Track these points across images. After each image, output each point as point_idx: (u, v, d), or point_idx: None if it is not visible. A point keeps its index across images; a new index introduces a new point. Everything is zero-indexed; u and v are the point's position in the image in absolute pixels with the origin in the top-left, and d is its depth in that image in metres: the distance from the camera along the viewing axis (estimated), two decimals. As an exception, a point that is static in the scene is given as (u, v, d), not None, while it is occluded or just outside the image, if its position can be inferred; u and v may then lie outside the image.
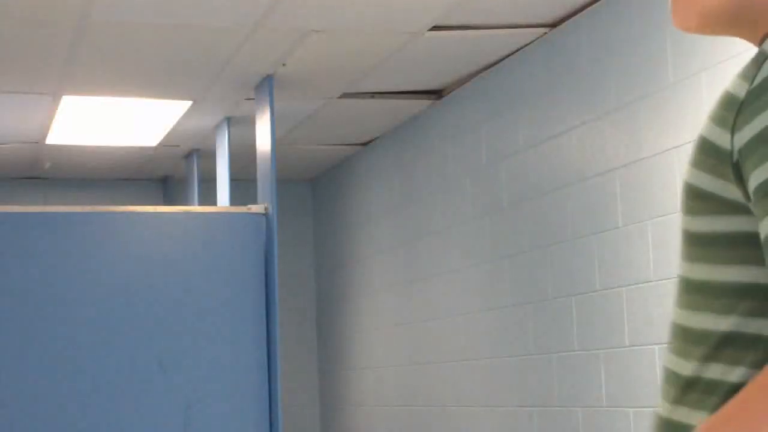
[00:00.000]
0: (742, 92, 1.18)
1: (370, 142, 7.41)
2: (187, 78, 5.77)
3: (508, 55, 5.50)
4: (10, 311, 4.87)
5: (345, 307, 7.87)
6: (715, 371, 1.21)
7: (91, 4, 4.59)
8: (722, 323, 1.21)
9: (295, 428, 8.05)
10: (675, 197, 4.28)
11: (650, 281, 4.40)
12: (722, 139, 1.17)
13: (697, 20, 1.32)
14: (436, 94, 6.27)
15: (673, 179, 4.28)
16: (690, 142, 4.20)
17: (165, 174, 8.27)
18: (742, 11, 1.27)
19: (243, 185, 6.90)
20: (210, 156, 7.00)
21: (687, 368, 1.26)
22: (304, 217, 8.59)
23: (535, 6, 4.86)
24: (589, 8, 4.84)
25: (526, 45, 5.34)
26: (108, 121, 6.56)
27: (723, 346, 1.20)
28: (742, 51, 3.93)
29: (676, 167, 4.27)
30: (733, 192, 1.16)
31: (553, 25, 5.09)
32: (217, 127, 6.71)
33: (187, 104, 6.25)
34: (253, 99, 5.96)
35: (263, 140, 5.71)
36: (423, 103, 6.40)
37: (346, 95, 6.19)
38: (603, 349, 4.69)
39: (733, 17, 1.29)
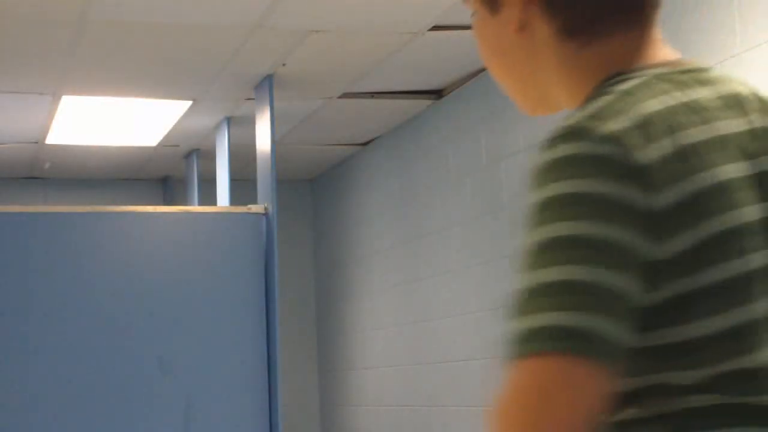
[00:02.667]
0: None
1: (370, 142, 7.41)
2: (186, 78, 5.76)
3: (508, 55, 5.49)
4: (9, 311, 4.87)
5: (345, 307, 7.86)
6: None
7: (91, 4, 4.59)
8: None
9: (295, 428, 8.05)
10: (675, 197, 4.27)
11: (650, 281, 4.39)
12: None
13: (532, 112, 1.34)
14: (436, 94, 6.27)
15: (673, 179, 4.28)
16: (690, 142, 4.20)
17: (165, 174, 8.27)
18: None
19: (243, 185, 6.89)
20: (210, 156, 7.00)
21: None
22: (304, 217, 8.59)
23: (535, 6, 4.86)
24: (589, 8, 4.83)
25: (526, 45, 5.34)
26: (108, 121, 6.56)
27: None
28: (739, 52, 3.93)
29: (676, 167, 4.27)
30: None
31: (553, 25, 5.08)
32: (217, 127, 6.71)
33: (186, 104, 6.25)
34: (253, 99, 5.96)
35: (263, 140, 5.71)
36: (423, 103, 6.40)
37: (346, 95, 6.19)
38: (603, 349, 4.68)
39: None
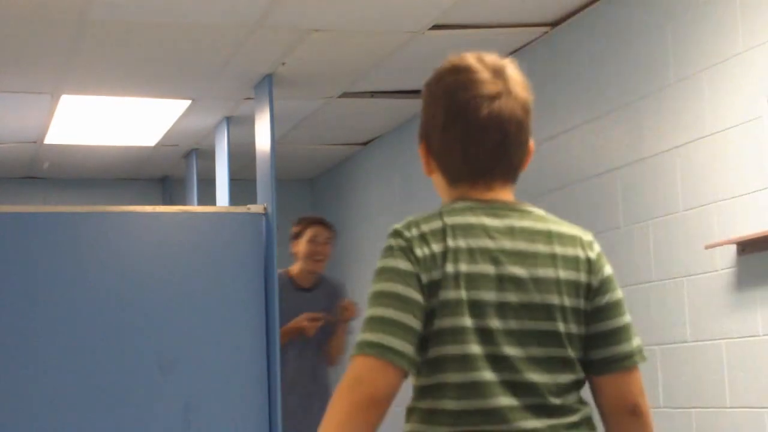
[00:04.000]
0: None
1: (370, 142, 7.41)
2: (186, 77, 5.76)
3: (508, 55, 5.48)
4: (9, 311, 4.86)
5: (345, 307, 7.85)
6: None
7: (91, 4, 4.59)
8: None
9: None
10: (676, 197, 4.27)
11: (651, 281, 4.39)
12: None
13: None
14: (436, 93, 6.26)
15: (674, 179, 4.28)
16: (691, 141, 4.19)
17: (164, 174, 8.27)
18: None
19: (242, 185, 6.89)
20: (209, 156, 6.99)
21: None
22: (304, 216, 8.57)
23: (536, 5, 4.85)
24: (590, 8, 4.83)
25: (527, 44, 5.34)
26: (107, 120, 6.56)
27: None
28: (741, 51, 3.93)
29: (676, 167, 4.27)
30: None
31: (554, 24, 5.08)
32: (217, 126, 6.71)
33: (186, 104, 6.25)
34: (253, 98, 5.95)
35: (263, 140, 5.70)
36: (423, 103, 6.39)
37: (345, 95, 6.18)
38: (604, 350, 4.68)
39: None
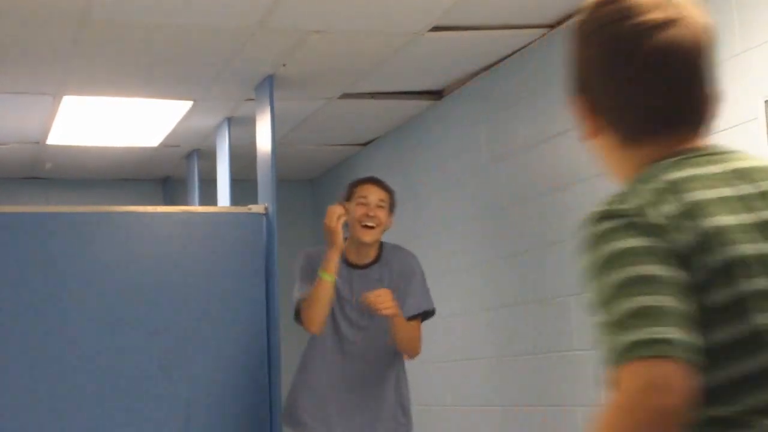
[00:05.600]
0: None
1: (370, 142, 7.42)
2: (187, 78, 5.77)
3: (508, 55, 5.51)
4: (10, 311, 4.88)
5: (345, 307, 7.86)
6: None
7: (92, 4, 4.60)
8: None
9: (296, 428, 8.05)
10: (674, 197, 4.28)
11: (649, 281, 4.39)
12: None
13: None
14: (436, 94, 6.28)
15: (673, 179, 4.29)
16: (689, 142, 4.20)
17: (165, 174, 8.28)
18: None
19: (243, 185, 6.90)
20: (210, 156, 7.01)
21: None
22: (304, 217, 8.59)
23: (535, 6, 4.87)
24: (589, 9, 4.84)
25: (526, 45, 5.35)
26: (109, 121, 6.57)
27: None
28: (739, 52, 3.94)
29: (675, 167, 4.28)
30: None
31: (553, 25, 5.10)
32: (218, 127, 6.72)
33: (187, 104, 6.26)
34: (254, 99, 5.97)
35: (263, 140, 5.72)
36: (423, 103, 6.41)
37: (346, 95, 6.20)
38: (602, 349, 4.69)
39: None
